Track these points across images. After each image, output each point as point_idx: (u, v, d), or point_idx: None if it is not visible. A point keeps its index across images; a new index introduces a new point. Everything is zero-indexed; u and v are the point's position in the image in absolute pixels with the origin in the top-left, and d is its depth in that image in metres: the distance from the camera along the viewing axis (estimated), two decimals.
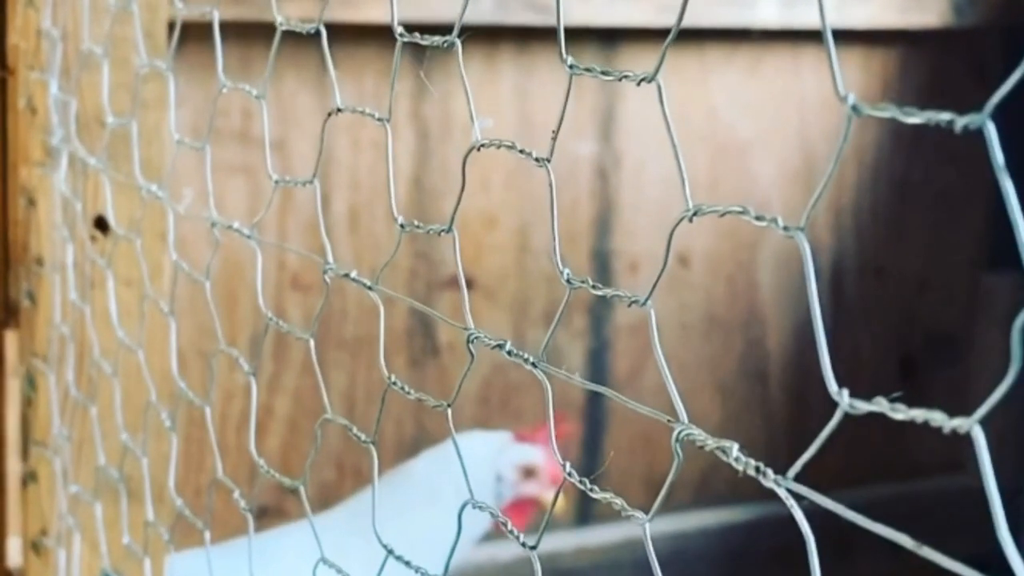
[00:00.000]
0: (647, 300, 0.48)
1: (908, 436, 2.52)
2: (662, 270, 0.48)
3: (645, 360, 2.32)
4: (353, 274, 0.66)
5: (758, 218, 0.42)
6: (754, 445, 2.42)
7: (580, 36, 2.17)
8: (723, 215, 0.44)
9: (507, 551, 2.19)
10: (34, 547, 1.09)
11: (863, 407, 0.36)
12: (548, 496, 1.67)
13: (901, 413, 0.35)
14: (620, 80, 0.50)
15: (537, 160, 0.52)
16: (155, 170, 1.01)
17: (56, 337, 1.03)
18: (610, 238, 2.27)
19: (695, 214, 0.46)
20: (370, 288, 0.65)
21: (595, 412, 2.31)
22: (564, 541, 2.25)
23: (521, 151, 0.52)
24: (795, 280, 2.40)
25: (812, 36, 2.34)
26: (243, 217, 2.01)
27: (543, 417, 2.26)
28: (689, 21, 2.44)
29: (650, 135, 2.26)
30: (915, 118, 0.35)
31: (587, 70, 0.51)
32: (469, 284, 2.19)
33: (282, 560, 1.49)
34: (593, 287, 0.51)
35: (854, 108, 0.37)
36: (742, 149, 2.33)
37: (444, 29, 2.16)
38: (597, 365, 2.29)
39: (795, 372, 2.44)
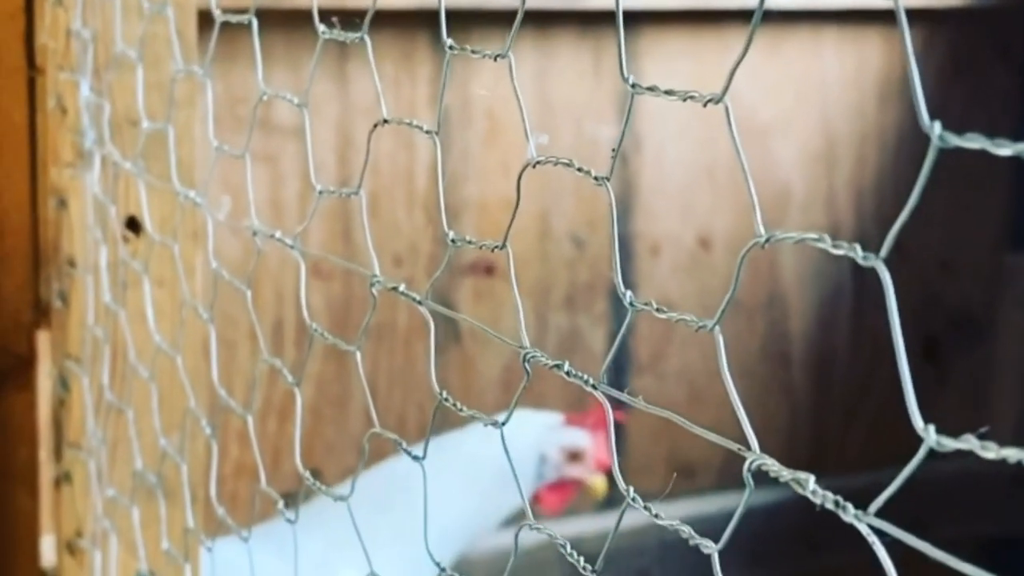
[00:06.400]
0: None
1: (930, 416, 2.51)
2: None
3: (667, 344, 2.32)
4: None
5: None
6: (776, 427, 2.41)
7: (602, 20, 2.16)
8: None
9: (532, 536, 2.19)
10: (69, 548, 1.09)
11: (950, 444, 0.35)
12: (591, 479, 1.67)
13: (992, 452, 0.34)
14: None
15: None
16: (186, 170, 1.00)
17: (89, 339, 1.02)
18: (631, 221, 2.26)
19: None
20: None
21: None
22: (588, 525, 2.25)
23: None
24: (817, 262, 2.39)
25: (832, 16, 2.32)
26: (265, 205, 2.00)
27: (565, 402, 2.25)
28: (708, 2, 2.42)
29: (670, 118, 2.25)
30: (1006, 149, 0.34)
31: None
32: (490, 270, 2.18)
33: (305, 551, 1.49)
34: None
35: (941, 138, 0.37)
36: (763, 132, 2.32)
37: (461, 15, 2.13)
38: (619, 349, 2.29)
39: (818, 354, 2.43)
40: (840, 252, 0.40)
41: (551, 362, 0.54)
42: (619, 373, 2.29)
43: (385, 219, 2.10)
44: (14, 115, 1.10)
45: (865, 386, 2.48)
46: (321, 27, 0.69)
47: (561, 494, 1.68)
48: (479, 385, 2.21)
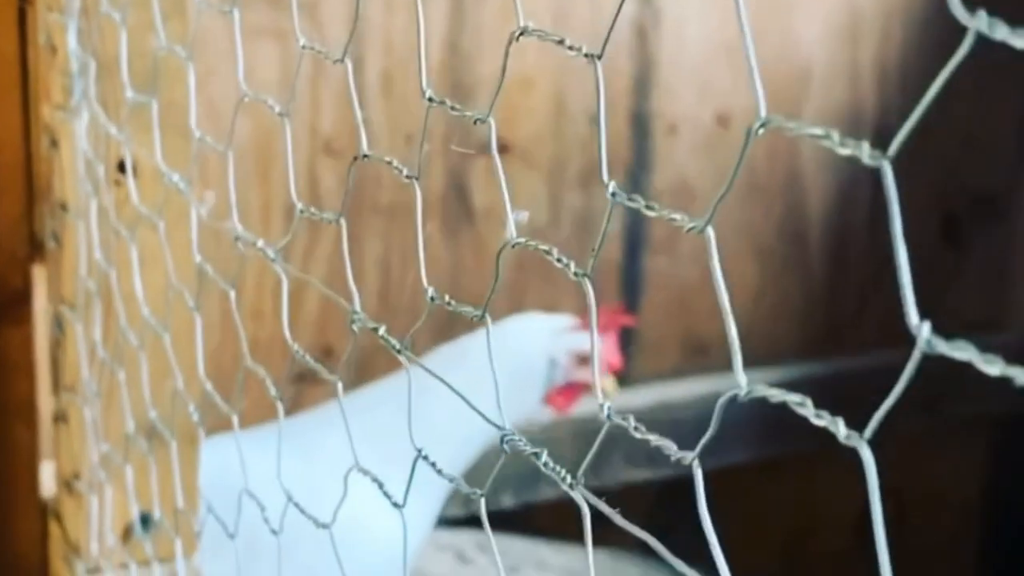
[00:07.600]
0: None
1: (949, 295, 2.49)
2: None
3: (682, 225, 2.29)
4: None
5: None
6: (792, 307, 2.40)
7: None
8: None
9: (547, 413, 2.19)
10: (67, 487, 1.08)
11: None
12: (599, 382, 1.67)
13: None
14: None
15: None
16: (179, 110, 0.97)
17: (82, 289, 1.01)
18: (649, 99, 2.22)
19: None
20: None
21: (632, 274, 2.29)
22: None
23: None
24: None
25: None
26: (275, 84, 1.97)
27: (578, 304, 2.24)
28: None
29: None
30: None
31: None
32: (505, 148, 2.15)
33: (323, 449, 1.49)
34: None
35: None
36: (786, 7, 2.26)
37: None
38: (634, 230, 2.26)
39: (835, 234, 2.40)
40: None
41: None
42: (634, 254, 2.27)
43: (397, 96, 2.06)
44: (5, 48, 1.07)
45: (882, 266, 2.45)
46: None
47: (570, 396, 1.68)
48: (493, 266, 2.20)
